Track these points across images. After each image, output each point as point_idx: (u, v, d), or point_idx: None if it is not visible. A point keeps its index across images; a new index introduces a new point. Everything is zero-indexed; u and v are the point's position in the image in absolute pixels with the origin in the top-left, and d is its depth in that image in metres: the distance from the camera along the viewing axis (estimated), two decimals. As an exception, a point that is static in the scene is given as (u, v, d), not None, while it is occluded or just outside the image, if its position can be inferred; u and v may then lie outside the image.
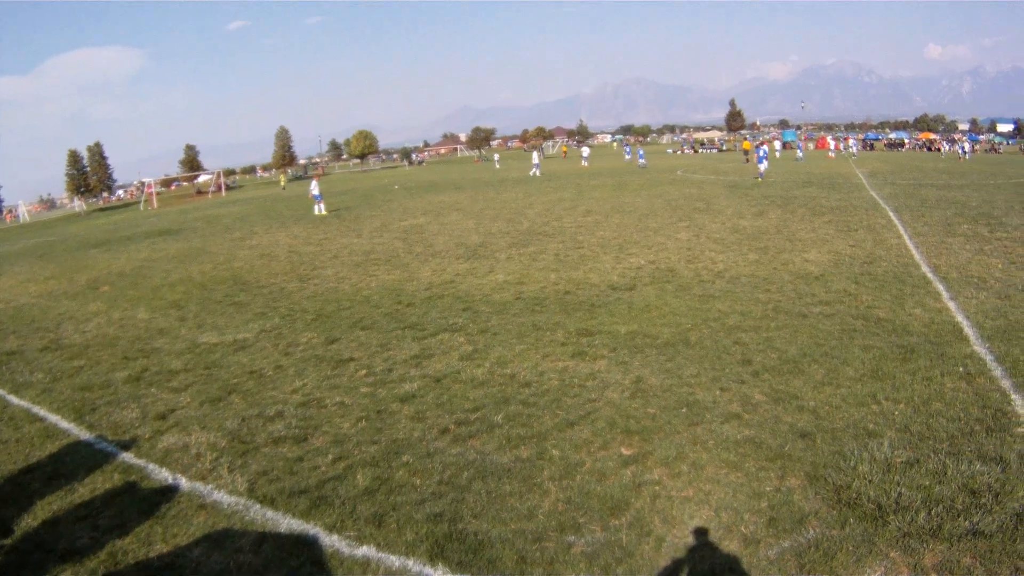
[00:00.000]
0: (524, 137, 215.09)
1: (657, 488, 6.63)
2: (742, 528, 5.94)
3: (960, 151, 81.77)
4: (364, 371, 10.56)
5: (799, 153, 77.76)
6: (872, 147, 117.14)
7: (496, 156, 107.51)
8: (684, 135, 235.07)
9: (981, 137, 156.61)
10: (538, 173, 60.39)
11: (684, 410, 8.32)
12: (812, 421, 7.82)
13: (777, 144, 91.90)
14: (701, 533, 5.92)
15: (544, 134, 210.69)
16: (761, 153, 46.30)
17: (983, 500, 6.08)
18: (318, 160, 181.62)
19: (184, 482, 7.40)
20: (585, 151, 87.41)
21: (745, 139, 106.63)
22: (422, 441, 7.96)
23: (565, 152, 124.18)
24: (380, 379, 10.15)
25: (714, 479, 6.71)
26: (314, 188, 37.98)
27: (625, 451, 7.41)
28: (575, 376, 9.74)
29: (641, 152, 77.54)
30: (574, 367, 10.12)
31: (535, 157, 65.73)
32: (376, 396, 9.49)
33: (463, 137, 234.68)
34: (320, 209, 36.99)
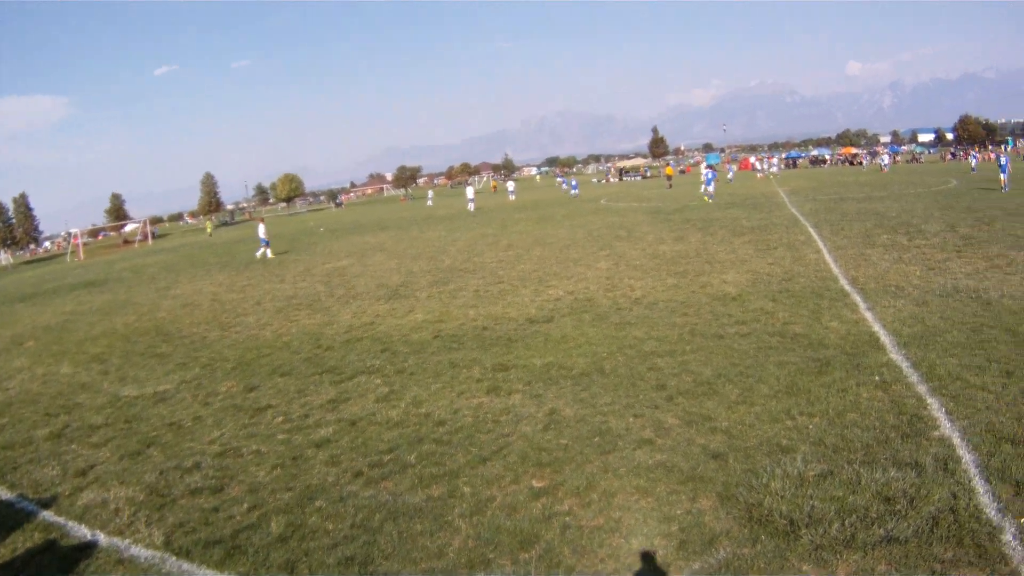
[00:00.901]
0: (450, 174, 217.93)
1: (567, 519, 6.67)
2: (652, 553, 5.98)
3: (881, 163, 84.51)
4: (281, 418, 10.52)
5: (730, 175, 79.60)
6: (795, 165, 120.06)
7: (430, 193, 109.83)
8: (609, 164, 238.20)
9: (903, 148, 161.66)
10: (472, 208, 61.78)
11: (596, 439, 8.39)
12: (725, 441, 7.93)
13: (703, 167, 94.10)
14: (610, 561, 5.95)
15: (469, 170, 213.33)
16: (709, 176, 49.61)
17: (898, 506, 6.22)
18: (245, 205, 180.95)
19: (103, 538, 7.34)
20: (511, 185, 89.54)
21: (668, 165, 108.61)
22: (335, 485, 7.96)
23: (495, 187, 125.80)
24: (297, 425, 10.13)
25: (625, 506, 6.76)
26: (260, 231, 37.83)
27: (536, 484, 7.45)
28: (489, 412, 9.79)
29: (574, 183, 79.69)
30: (489, 403, 10.17)
31: (469, 192, 67.50)
32: (292, 443, 9.47)
33: (389, 176, 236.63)
34: (266, 253, 36.84)
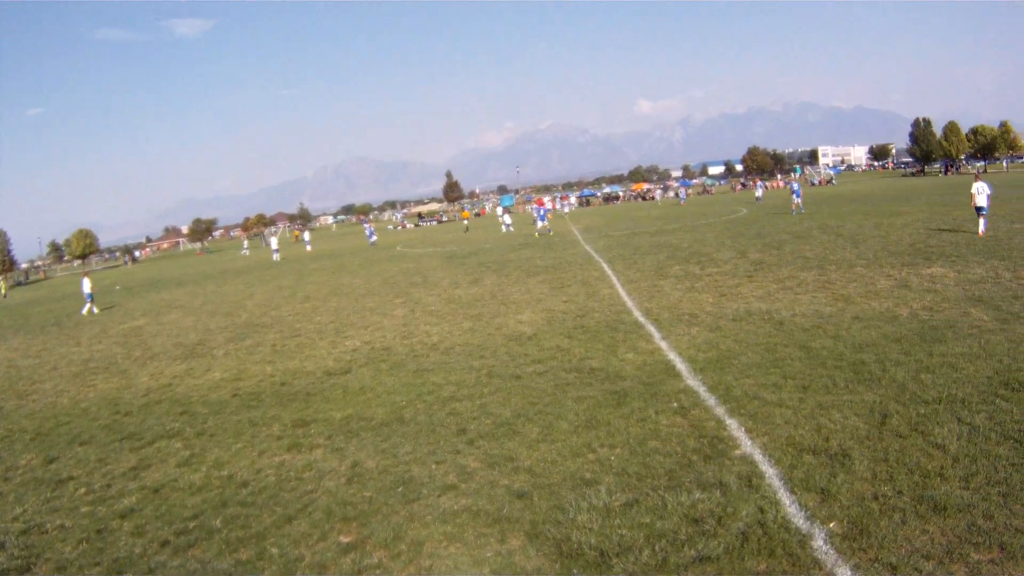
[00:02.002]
0: (246, 226, 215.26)
1: (378, 572, 6.64)
2: (464, 600, 6.04)
3: (680, 197, 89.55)
4: (84, 489, 10.06)
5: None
6: (588, 203, 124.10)
7: (245, 243, 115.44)
8: (404, 210, 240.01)
9: (693, 181, 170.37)
10: (277, 257, 64.34)
11: (400, 489, 8.41)
12: (529, 480, 8.10)
13: (499, 211, 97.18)
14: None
15: (265, 221, 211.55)
16: (540, 213, 55.26)
17: (706, 526, 6.51)
18: (39, 263, 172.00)
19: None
20: (307, 235, 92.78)
21: (463, 209, 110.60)
22: (143, 557, 7.66)
23: (296, 236, 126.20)
24: (100, 496, 9.72)
25: (434, 554, 6.79)
26: (85, 286, 36.49)
27: (344, 539, 7.38)
28: (292, 469, 9.67)
29: (371, 229, 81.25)
30: (291, 460, 10.04)
31: (273, 243, 70.57)
32: (96, 515, 9.07)
33: (185, 230, 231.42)
34: (92, 309, 35.63)
